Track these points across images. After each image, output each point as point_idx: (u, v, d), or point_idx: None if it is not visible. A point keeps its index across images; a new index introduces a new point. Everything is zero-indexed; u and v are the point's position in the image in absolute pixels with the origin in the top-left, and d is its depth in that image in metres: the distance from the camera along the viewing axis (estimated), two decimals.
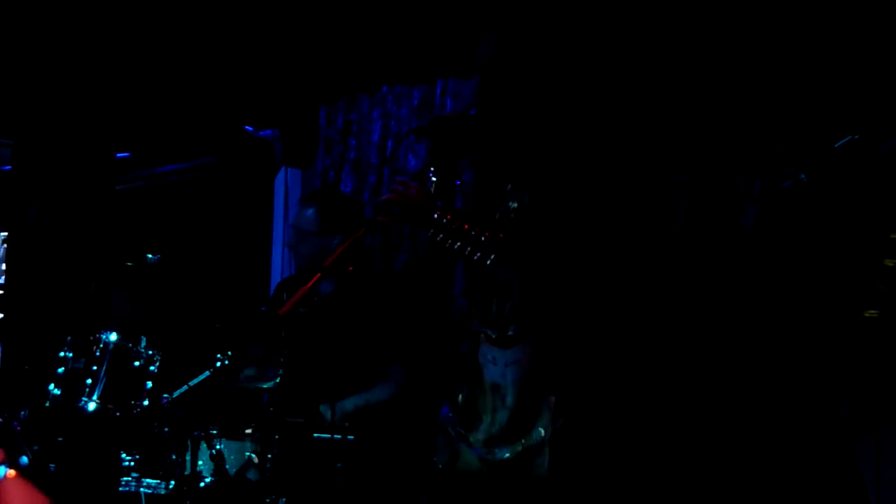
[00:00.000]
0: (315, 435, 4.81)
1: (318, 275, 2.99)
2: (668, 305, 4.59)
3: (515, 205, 3.38)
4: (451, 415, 3.49)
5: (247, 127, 7.11)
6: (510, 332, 3.35)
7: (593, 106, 3.53)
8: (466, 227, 3.13)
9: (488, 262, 3.23)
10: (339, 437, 4.82)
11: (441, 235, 3.15)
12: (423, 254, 5.74)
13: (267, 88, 6.81)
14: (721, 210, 3.94)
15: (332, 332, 5.21)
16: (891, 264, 2.40)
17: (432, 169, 3.27)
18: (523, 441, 3.30)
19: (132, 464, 4.84)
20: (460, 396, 3.49)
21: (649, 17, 4.84)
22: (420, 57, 6.11)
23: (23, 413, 4.87)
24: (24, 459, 2.55)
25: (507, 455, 3.32)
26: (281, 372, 4.56)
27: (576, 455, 3.26)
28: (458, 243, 3.15)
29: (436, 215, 3.11)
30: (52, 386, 4.90)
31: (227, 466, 4.83)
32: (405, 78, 6.32)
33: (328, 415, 4.92)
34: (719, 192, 3.81)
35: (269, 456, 4.49)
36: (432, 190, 3.25)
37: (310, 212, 5.46)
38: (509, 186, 3.45)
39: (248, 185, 7.23)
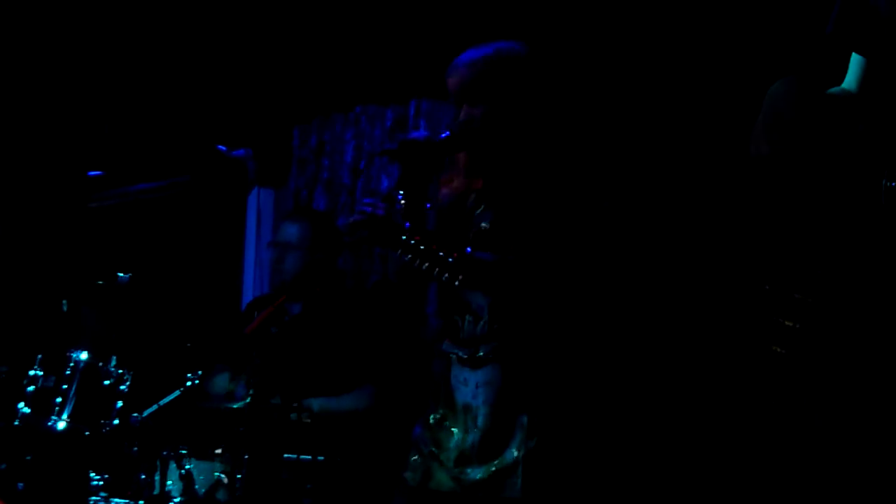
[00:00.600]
0: (285, 455, 4.80)
1: (284, 296, 2.99)
2: (656, 318, 4.62)
3: (486, 225, 3.39)
4: (423, 434, 3.49)
5: (220, 146, 7.11)
6: (480, 353, 3.35)
7: (564, 130, 3.53)
8: (434, 247, 3.13)
9: (456, 283, 3.23)
10: (309, 457, 4.82)
11: (410, 256, 3.15)
12: (392, 275, 5.75)
13: (240, 108, 6.81)
14: None
15: (301, 352, 5.21)
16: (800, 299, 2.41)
17: (401, 192, 3.27)
18: (496, 462, 3.29)
19: (101, 483, 4.82)
20: (432, 417, 3.49)
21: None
22: (394, 77, 6.12)
23: None
24: None
25: (480, 476, 3.32)
26: (251, 392, 4.55)
27: (550, 476, 3.26)
28: (427, 264, 3.15)
29: (404, 236, 3.12)
30: (21, 404, 4.88)
31: (197, 487, 4.81)
32: (379, 98, 6.33)
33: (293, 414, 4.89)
34: None
35: (239, 476, 4.48)
36: (402, 211, 3.25)
37: (298, 227, 5.46)
38: (481, 208, 3.46)
39: (221, 204, 7.23)
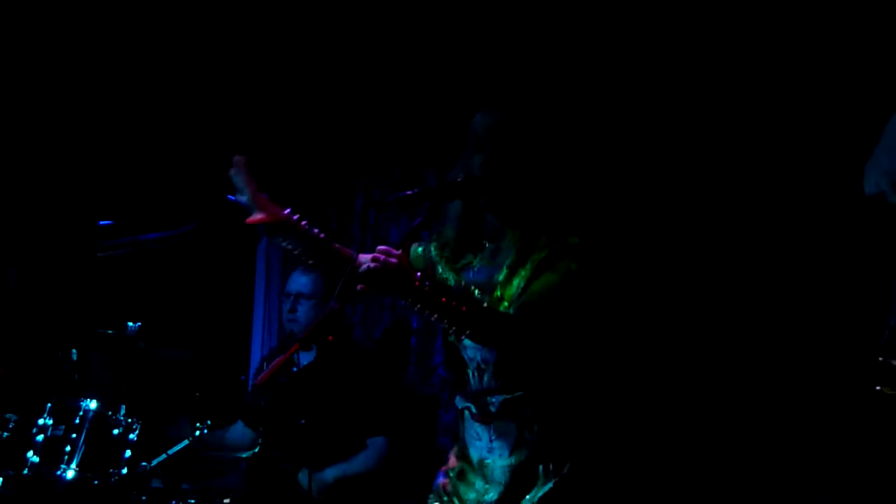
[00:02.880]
0: None
1: (297, 345, 2.99)
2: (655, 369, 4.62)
3: (501, 279, 3.39)
4: (445, 483, 3.50)
5: (229, 195, 7.13)
6: (491, 408, 3.35)
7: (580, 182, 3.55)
8: (444, 299, 3.14)
9: (463, 337, 3.24)
10: None
11: (419, 306, 3.16)
12: (406, 321, 5.76)
13: (249, 156, 6.83)
14: None
15: (312, 403, 5.22)
16: None
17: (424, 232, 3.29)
18: None
19: None
20: (453, 471, 3.49)
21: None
22: (403, 130, 6.16)
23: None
24: None
25: None
26: (260, 441, 4.55)
27: None
28: (436, 315, 3.16)
29: (415, 285, 3.12)
30: (30, 453, 4.88)
31: None
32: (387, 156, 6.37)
33: (306, 483, 4.90)
34: None
35: None
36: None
37: (311, 277, 5.49)
38: (482, 258, 3.46)
39: (230, 253, 7.24)
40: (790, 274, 4.28)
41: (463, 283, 3.42)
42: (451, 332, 3.27)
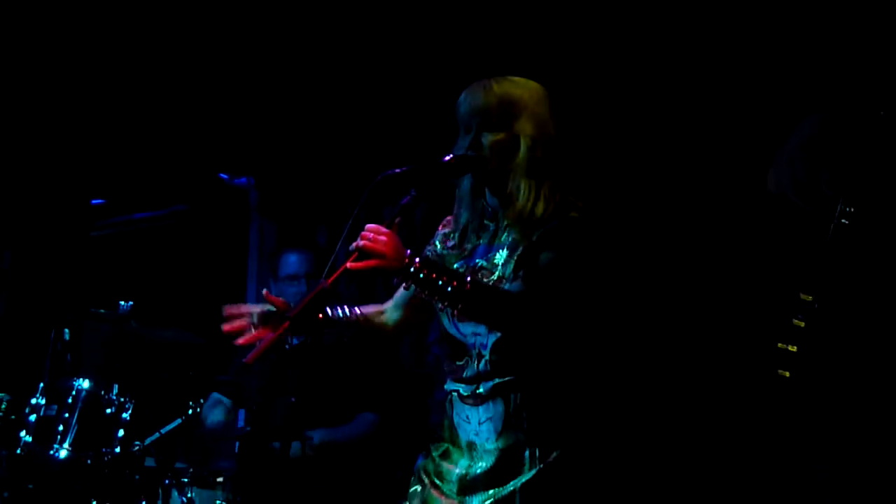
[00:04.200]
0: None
1: (287, 323, 2.99)
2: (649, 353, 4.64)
3: (484, 262, 3.38)
4: (426, 464, 3.49)
5: (222, 174, 7.13)
6: (481, 390, 3.34)
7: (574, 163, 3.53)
8: (434, 276, 3.13)
9: (456, 312, 3.23)
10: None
11: (410, 283, 3.15)
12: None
13: (243, 136, 6.83)
14: None
15: (302, 381, 5.22)
16: (808, 298, 2.44)
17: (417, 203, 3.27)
18: (494, 491, 3.29)
19: None
20: (435, 450, 3.48)
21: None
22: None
23: None
24: None
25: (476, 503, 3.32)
26: (247, 421, 4.56)
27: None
28: (426, 292, 3.15)
29: (405, 262, 3.11)
30: (23, 433, 4.88)
31: None
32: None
33: (297, 447, 4.89)
34: None
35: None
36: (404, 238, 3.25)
37: (298, 257, 5.51)
38: (479, 242, 3.45)
39: (222, 233, 7.24)
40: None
41: (468, 266, 3.40)
42: (442, 308, 3.26)
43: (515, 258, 3.28)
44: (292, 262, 5.56)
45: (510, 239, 3.33)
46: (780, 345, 2.51)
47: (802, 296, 2.39)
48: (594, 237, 3.30)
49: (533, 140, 3.31)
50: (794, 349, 2.46)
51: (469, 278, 3.17)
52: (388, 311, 3.58)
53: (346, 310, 3.51)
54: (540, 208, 3.29)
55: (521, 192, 3.31)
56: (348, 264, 3.03)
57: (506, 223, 3.37)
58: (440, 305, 3.21)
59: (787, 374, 2.49)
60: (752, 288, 3.88)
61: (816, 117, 2.58)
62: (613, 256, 3.56)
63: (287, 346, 5.14)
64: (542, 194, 3.30)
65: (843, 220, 2.33)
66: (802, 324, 2.40)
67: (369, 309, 3.59)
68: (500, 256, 3.33)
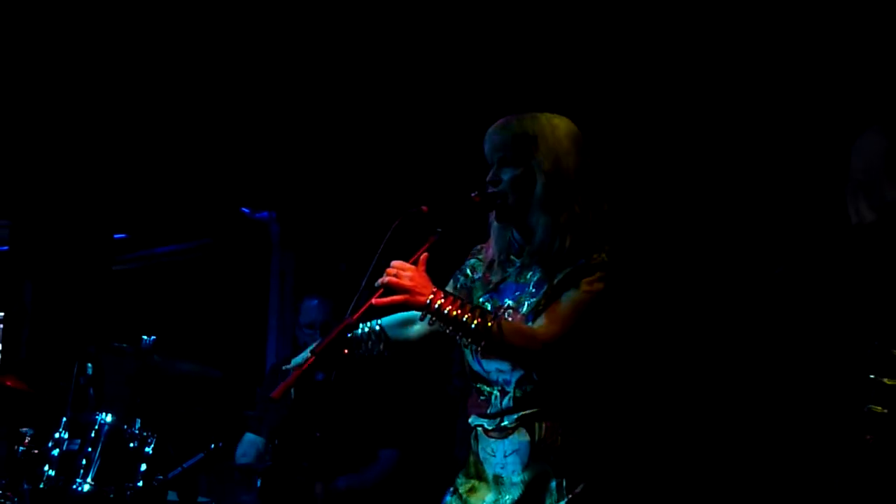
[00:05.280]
0: None
1: (312, 358, 2.99)
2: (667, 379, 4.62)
3: (511, 303, 3.38)
4: (453, 500, 3.48)
5: (243, 208, 7.15)
6: (505, 423, 3.34)
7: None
8: (458, 312, 3.13)
9: (478, 350, 3.23)
10: None
11: (434, 319, 3.16)
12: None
13: (264, 170, 6.85)
14: None
15: (327, 415, 5.22)
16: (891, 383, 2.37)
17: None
18: None
19: None
20: (462, 486, 3.48)
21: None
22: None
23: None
24: None
25: None
26: (270, 454, 4.55)
27: None
28: (450, 328, 3.16)
29: (430, 299, 3.12)
30: (46, 467, 4.89)
31: None
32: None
33: (319, 494, 4.90)
34: None
35: None
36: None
37: (318, 302, 5.55)
38: (504, 279, 3.45)
39: (244, 267, 7.25)
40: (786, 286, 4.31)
41: (496, 303, 3.40)
42: (466, 345, 3.27)
43: (541, 296, 3.28)
44: (310, 308, 5.61)
45: (536, 277, 3.33)
46: (870, 406, 2.43)
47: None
48: (621, 277, 3.30)
49: (549, 174, 3.31)
50: (883, 410, 2.39)
51: (494, 316, 3.18)
52: (418, 322, 3.54)
53: (370, 325, 3.51)
54: (562, 244, 3.29)
55: (541, 226, 3.31)
56: (373, 300, 3.04)
57: (529, 260, 3.37)
58: (465, 342, 3.21)
59: (881, 408, 2.42)
60: (836, 339, 3.83)
61: (881, 129, 2.51)
62: (640, 298, 3.55)
63: (311, 382, 5.14)
64: (563, 229, 3.30)
65: None
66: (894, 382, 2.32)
67: (396, 319, 3.57)
68: (526, 295, 3.33)
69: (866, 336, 2.54)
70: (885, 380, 2.38)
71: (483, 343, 3.16)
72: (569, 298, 3.23)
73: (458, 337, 3.20)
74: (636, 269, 3.42)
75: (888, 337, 2.45)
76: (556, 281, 3.26)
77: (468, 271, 3.55)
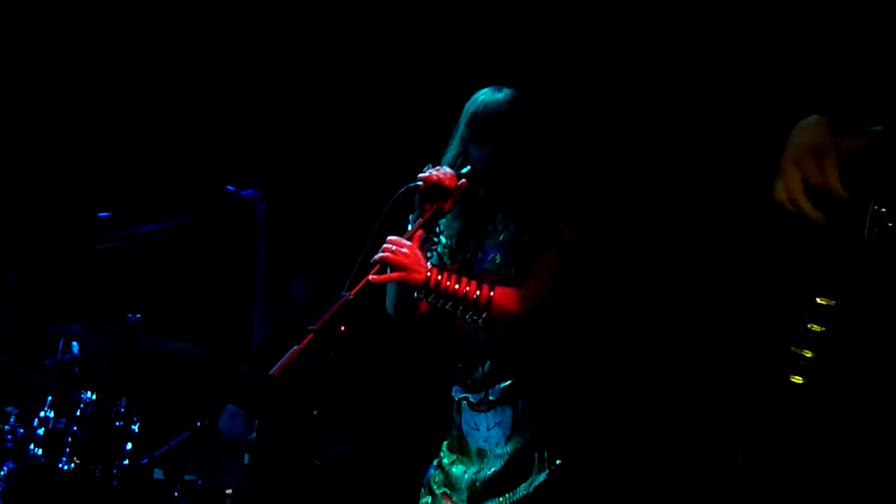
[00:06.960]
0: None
1: (311, 335, 2.97)
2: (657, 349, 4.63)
3: (498, 259, 3.39)
4: (436, 474, 3.49)
5: (229, 186, 7.12)
6: (491, 397, 3.35)
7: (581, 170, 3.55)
8: (458, 287, 3.15)
9: (480, 322, 3.24)
10: None
11: (433, 296, 3.17)
12: None
13: (250, 148, 6.84)
14: None
15: (324, 393, 5.22)
16: (817, 329, 2.42)
17: (437, 229, 3.32)
18: (508, 495, 3.30)
19: None
20: (446, 459, 3.49)
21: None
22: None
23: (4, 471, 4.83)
24: None
25: None
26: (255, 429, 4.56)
27: None
28: (450, 303, 3.18)
29: (428, 275, 3.13)
30: (32, 446, 4.87)
31: None
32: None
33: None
34: None
35: None
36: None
37: (306, 282, 5.54)
38: (491, 241, 3.47)
39: (229, 244, 7.23)
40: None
41: (468, 269, 3.43)
42: (466, 318, 3.26)
43: (512, 254, 3.30)
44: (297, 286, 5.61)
45: (507, 244, 3.35)
46: (793, 349, 2.49)
47: (820, 300, 2.36)
48: (584, 256, 3.33)
49: (544, 159, 3.34)
50: (810, 354, 2.44)
51: (488, 285, 3.20)
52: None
53: None
54: (539, 220, 3.30)
55: (527, 205, 3.33)
56: (370, 277, 3.03)
57: (506, 230, 3.38)
58: (467, 315, 3.22)
59: (801, 379, 2.47)
60: (761, 292, 3.87)
61: (818, 118, 2.55)
62: (611, 260, 3.57)
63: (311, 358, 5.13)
64: (543, 209, 3.32)
65: (875, 221, 2.30)
66: (820, 328, 2.38)
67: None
68: (498, 259, 3.35)
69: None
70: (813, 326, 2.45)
71: (484, 314, 3.18)
72: (543, 259, 3.26)
73: (456, 311, 3.21)
74: (614, 244, 3.45)
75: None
76: (522, 251, 3.28)
77: (439, 249, 3.55)
